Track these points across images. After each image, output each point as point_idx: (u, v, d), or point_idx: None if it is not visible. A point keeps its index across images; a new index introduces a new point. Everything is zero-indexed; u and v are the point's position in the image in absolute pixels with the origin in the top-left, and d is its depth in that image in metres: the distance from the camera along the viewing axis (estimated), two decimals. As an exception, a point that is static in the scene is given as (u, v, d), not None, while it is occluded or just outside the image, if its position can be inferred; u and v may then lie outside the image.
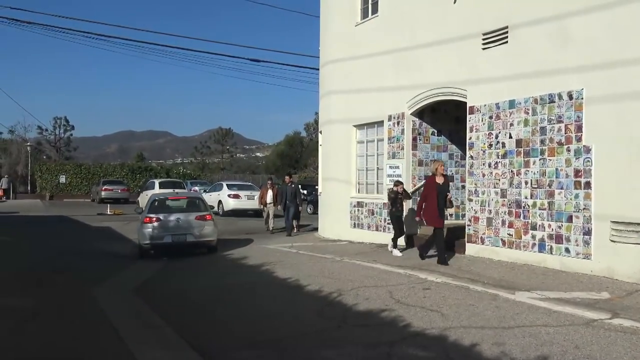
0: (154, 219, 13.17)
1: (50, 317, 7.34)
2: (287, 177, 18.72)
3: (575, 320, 6.25)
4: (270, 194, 18.82)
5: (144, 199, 27.40)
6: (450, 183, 13.28)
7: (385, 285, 8.46)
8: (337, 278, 9.20)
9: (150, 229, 13.07)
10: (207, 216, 13.72)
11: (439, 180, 10.30)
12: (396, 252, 11.41)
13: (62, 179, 45.47)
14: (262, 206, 19.30)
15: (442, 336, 5.87)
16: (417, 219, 10.58)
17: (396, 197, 11.68)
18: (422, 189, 10.56)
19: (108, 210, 28.05)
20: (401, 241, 12.15)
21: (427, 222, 10.32)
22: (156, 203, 13.97)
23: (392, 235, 13.18)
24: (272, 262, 11.27)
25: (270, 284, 9.17)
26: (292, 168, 58.91)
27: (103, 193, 36.49)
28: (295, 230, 17.87)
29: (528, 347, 5.38)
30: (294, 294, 8.31)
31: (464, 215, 13.24)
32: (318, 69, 17.32)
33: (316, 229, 17.21)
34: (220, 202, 26.19)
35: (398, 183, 11.89)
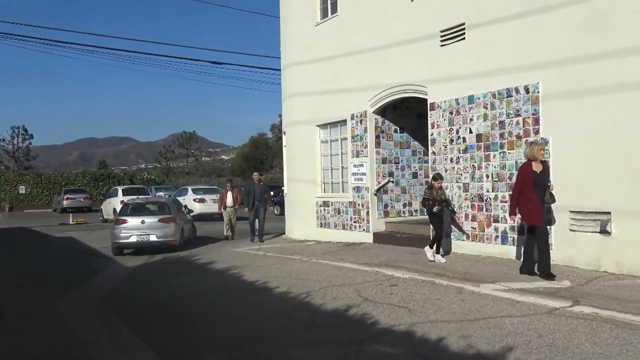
0: (123, 220, 14.70)
1: (14, 332, 7.14)
2: (255, 174, 16.81)
3: (537, 309, 6.39)
4: (230, 196, 17.40)
5: (107, 207, 26.96)
6: (414, 180, 13.44)
7: (352, 283, 8.50)
8: (305, 278, 9.20)
9: (119, 230, 14.60)
10: (170, 219, 15.02)
11: (537, 167, 8.17)
12: (439, 258, 9.90)
13: (22, 190, 44.34)
14: (222, 210, 17.77)
15: (409, 332, 5.93)
16: (512, 216, 8.50)
17: (436, 195, 9.96)
18: (515, 180, 8.52)
19: (70, 220, 27.49)
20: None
21: (526, 220, 8.32)
22: (127, 207, 15.67)
23: (359, 233, 13.24)
24: (239, 265, 11.20)
25: (239, 288, 9.12)
26: (257, 170, 58.65)
27: (65, 202, 35.78)
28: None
29: (493, 338, 5.47)
30: (263, 297, 8.28)
31: (428, 211, 13.42)
32: (280, 70, 17.29)
33: (283, 233, 17.10)
34: (185, 206, 25.90)
35: (438, 177, 10.11)
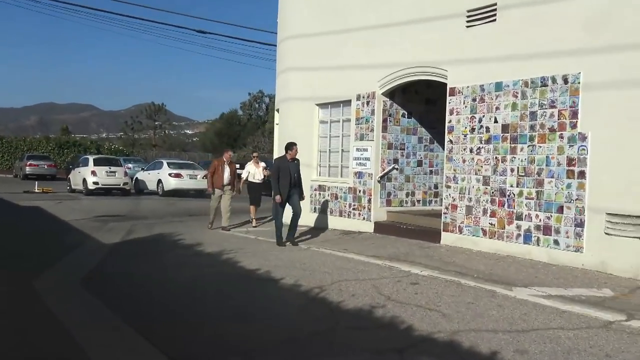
0: None
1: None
2: (293, 149, 11.06)
3: (590, 322, 5.76)
4: (227, 172, 13.63)
5: (76, 176, 25.55)
6: (419, 168, 12.72)
7: (367, 278, 7.76)
8: (311, 269, 8.42)
9: None
10: None
11: None
12: None
13: (-20, 153, 42.21)
14: (210, 189, 13.71)
15: (454, 342, 5.21)
16: None
17: None
18: None
19: (35, 188, 25.96)
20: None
21: None
22: None
23: (358, 221, 12.46)
24: (231, 249, 10.32)
25: (238, 276, 8.25)
26: (230, 147, 57.27)
27: (28, 169, 34.18)
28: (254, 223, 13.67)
29: (554, 355, 4.81)
30: (269, 289, 7.46)
31: (431, 202, 12.77)
32: (266, 44, 16.30)
33: (270, 215, 16.21)
34: (160, 181, 24.78)
35: None
